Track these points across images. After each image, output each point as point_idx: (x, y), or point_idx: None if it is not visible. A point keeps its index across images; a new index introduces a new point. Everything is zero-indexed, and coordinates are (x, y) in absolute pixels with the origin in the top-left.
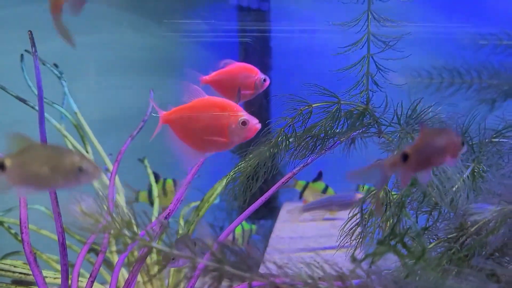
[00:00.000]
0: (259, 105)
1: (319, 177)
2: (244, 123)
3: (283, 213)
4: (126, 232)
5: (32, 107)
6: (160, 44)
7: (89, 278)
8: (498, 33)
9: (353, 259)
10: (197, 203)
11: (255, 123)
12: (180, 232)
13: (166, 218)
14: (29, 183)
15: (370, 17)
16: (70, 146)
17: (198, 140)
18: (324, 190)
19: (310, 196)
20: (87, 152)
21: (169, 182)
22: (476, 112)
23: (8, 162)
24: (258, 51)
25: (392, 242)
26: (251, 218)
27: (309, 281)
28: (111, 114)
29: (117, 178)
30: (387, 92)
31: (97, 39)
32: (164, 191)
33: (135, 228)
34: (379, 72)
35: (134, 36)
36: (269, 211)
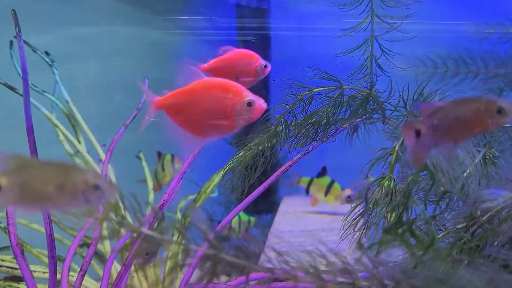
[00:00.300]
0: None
1: (323, 172)
2: (249, 104)
3: (283, 207)
4: (113, 216)
5: (21, 95)
6: (159, 39)
7: (79, 272)
8: (504, 22)
9: (360, 246)
10: (195, 196)
11: (261, 103)
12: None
13: (160, 208)
14: (29, 203)
15: None
16: (61, 136)
17: (199, 125)
18: (330, 185)
19: (316, 192)
20: (79, 142)
21: (167, 157)
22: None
23: (3, 181)
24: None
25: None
26: (251, 212)
27: (311, 270)
28: (109, 107)
29: (111, 169)
30: (392, 77)
31: (94, 32)
32: (162, 167)
33: (123, 212)
34: (384, 55)
35: (131, 31)
36: (269, 205)
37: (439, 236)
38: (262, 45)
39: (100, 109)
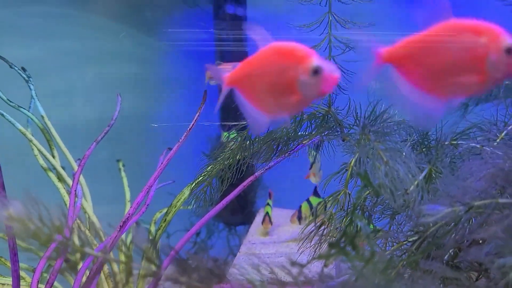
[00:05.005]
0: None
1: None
2: (315, 71)
3: (258, 219)
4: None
5: None
6: (148, 52)
7: (46, 285)
8: None
9: (292, 263)
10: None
11: (331, 70)
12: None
13: (124, 223)
14: None
15: (331, 19)
16: (36, 150)
17: (266, 100)
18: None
19: None
20: (53, 156)
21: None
22: (446, 116)
23: None
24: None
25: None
26: (229, 224)
27: (248, 285)
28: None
29: (85, 183)
30: (354, 96)
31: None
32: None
33: (68, 233)
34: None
35: (121, 45)
36: (246, 217)
37: (393, 248)
38: (239, 56)
39: (84, 121)
